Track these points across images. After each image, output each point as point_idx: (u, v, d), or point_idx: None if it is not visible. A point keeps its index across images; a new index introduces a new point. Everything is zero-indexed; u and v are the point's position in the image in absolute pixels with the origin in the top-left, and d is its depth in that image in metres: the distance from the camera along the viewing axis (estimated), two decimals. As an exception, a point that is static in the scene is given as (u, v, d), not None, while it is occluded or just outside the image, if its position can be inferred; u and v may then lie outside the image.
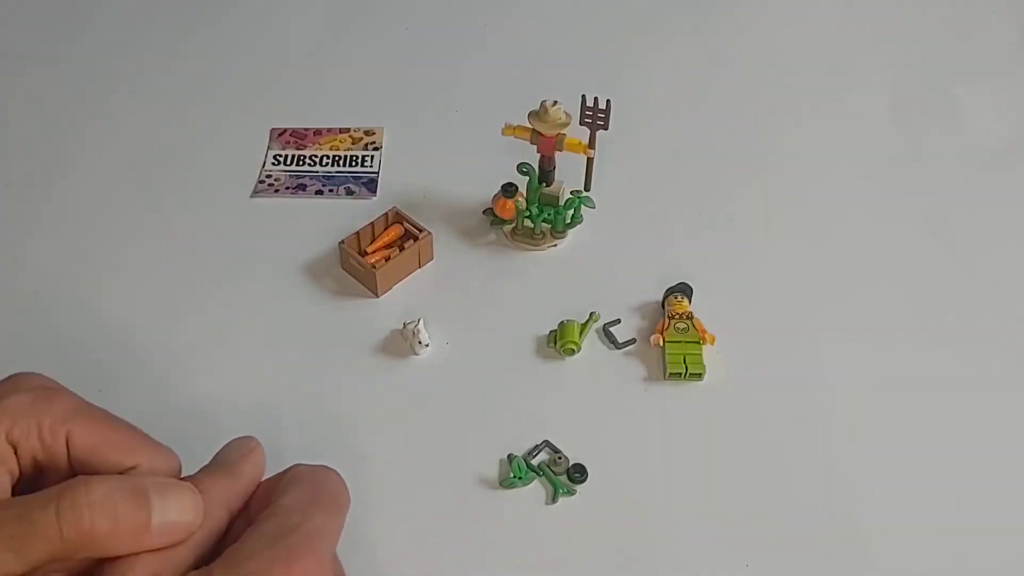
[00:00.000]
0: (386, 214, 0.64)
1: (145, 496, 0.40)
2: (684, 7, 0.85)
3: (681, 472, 0.54)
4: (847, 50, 0.82)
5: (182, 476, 0.44)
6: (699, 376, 0.57)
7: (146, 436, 0.45)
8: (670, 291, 0.61)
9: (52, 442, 0.43)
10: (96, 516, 0.38)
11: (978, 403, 0.57)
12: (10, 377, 0.43)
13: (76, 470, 0.44)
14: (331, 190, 0.69)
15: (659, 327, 0.59)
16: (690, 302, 0.61)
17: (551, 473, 0.53)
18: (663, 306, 0.61)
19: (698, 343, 0.58)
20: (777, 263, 0.65)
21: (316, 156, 0.71)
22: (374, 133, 0.73)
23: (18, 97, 0.76)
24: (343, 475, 0.53)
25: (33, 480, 0.44)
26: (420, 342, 0.58)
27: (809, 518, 0.52)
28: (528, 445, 0.55)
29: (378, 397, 0.57)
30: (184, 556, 0.40)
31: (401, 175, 0.70)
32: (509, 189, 0.64)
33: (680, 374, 0.57)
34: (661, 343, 0.59)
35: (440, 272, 0.64)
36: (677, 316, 0.60)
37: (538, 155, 0.64)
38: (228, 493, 0.42)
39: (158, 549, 0.40)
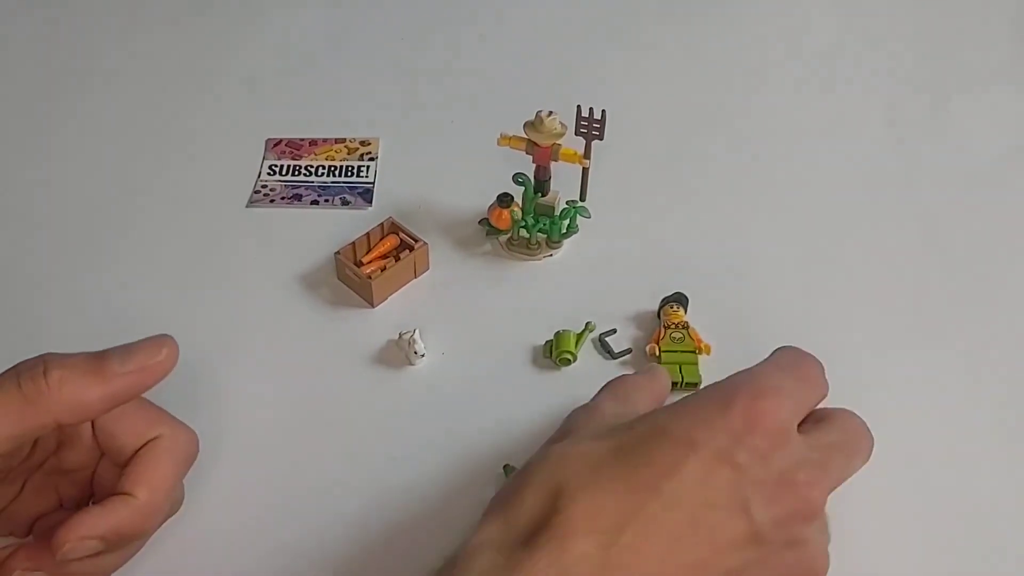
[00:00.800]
0: (382, 224, 0.64)
1: (103, 353, 0.43)
2: (678, 17, 0.86)
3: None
4: (842, 59, 0.82)
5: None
6: (695, 386, 0.57)
7: (167, 412, 0.48)
8: (665, 301, 0.61)
9: None
10: (52, 367, 0.42)
11: (976, 410, 0.58)
12: (40, 355, 0.46)
13: (99, 438, 0.47)
14: (327, 200, 0.69)
15: (655, 336, 0.59)
16: (686, 312, 0.61)
17: (547, 483, 0.53)
18: (659, 316, 0.61)
19: (694, 352, 0.58)
20: (773, 272, 0.65)
21: (312, 166, 0.71)
22: (370, 143, 0.73)
23: (12, 105, 0.76)
24: (336, 486, 0.53)
25: (57, 450, 0.47)
26: (416, 352, 0.58)
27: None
28: (524, 455, 0.54)
29: (374, 407, 0.57)
30: None
31: (397, 185, 0.70)
32: (505, 199, 0.64)
33: (676, 384, 0.57)
34: (657, 352, 0.59)
35: (436, 282, 0.64)
36: (673, 326, 0.60)
37: (534, 165, 0.64)
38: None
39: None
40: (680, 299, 0.61)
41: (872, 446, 0.46)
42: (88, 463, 0.48)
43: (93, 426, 0.47)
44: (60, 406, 0.42)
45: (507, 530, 0.38)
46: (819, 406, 0.46)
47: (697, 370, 0.58)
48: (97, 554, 0.44)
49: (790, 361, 0.45)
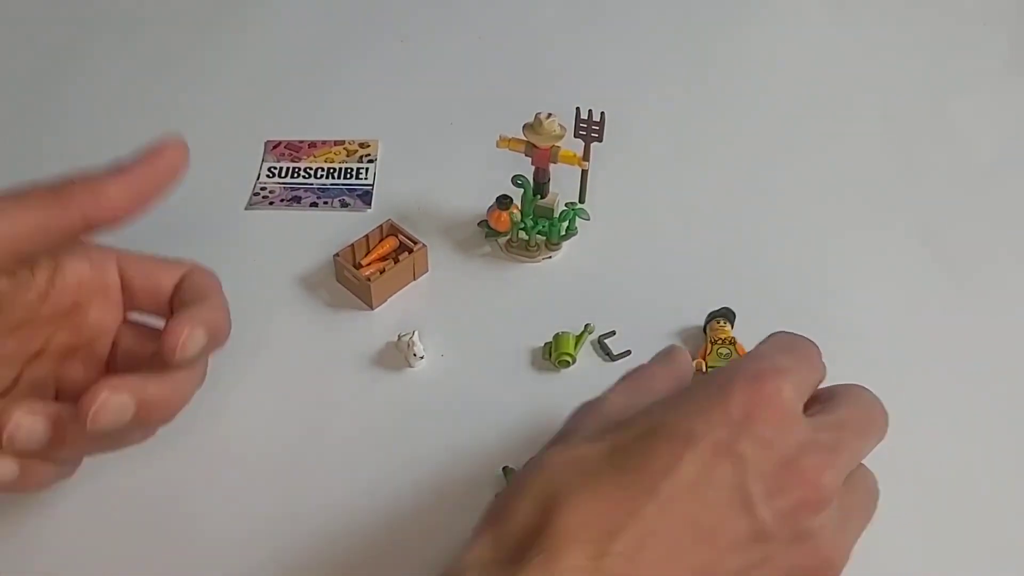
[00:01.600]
0: (381, 226, 0.64)
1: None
2: (678, 19, 0.86)
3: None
4: (841, 64, 0.82)
5: None
6: None
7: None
8: (712, 316, 0.60)
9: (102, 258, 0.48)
10: (75, 175, 0.45)
11: (977, 411, 0.58)
12: None
13: (135, 282, 0.49)
14: (326, 202, 0.69)
15: (701, 352, 0.59)
16: (733, 327, 0.60)
17: (546, 485, 0.53)
18: (705, 331, 0.60)
19: None
20: (771, 274, 0.65)
21: (311, 168, 0.71)
22: (369, 145, 0.73)
23: (10, 103, 0.76)
24: (334, 489, 0.53)
25: (75, 312, 0.48)
26: (415, 354, 0.58)
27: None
28: (524, 457, 0.54)
29: (373, 410, 0.57)
30: None
31: (396, 187, 0.70)
32: (504, 201, 0.64)
33: None
34: (704, 368, 0.58)
35: (435, 284, 0.64)
36: (720, 341, 0.58)
37: (533, 167, 0.64)
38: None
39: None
40: (727, 314, 0.60)
41: (887, 420, 0.43)
42: (110, 325, 0.48)
43: (122, 279, 0.49)
44: (85, 195, 0.44)
45: (496, 547, 0.36)
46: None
47: None
48: (189, 370, 0.45)
49: (785, 342, 0.43)
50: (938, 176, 0.72)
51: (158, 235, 0.67)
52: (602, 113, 0.62)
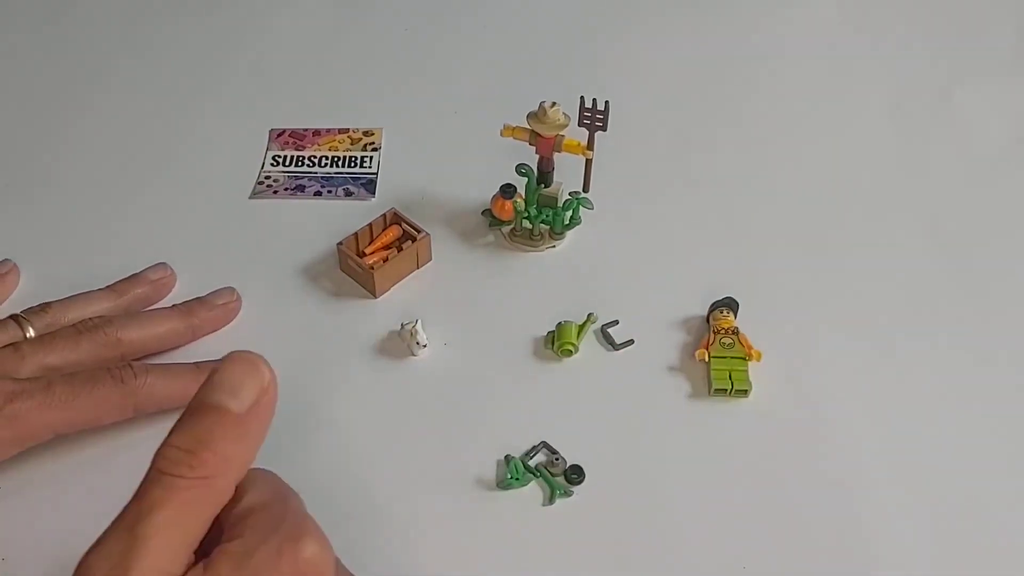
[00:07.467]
0: (384, 215, 0.64)
1: None
2: (682, 6, 0.85)
3: (678, 474, 0.54)
4: (846, 52, 0.82)
5: None
6: (745, 393, 0.56)
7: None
8: (715, 305, 0.60)
9: None
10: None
11: (983, 403, 0.57)
12: None
13: None
14: (330, 191, 0.69)
15: (704, 342, 0.58)
16: (736, 316, 0.59)
17: (548, 474, 0.53)
18: (707, 321, 0.60)
19: (744, 359, 0.57)
20: (775, 263, 0.65)
21: (315, 157, 0.71)
22: (373, 134, 0.73)
23: (12, 96, 0.77)
24: (341, 476, 0.53)
25: None
26: (418, 343, 0.58)
27: (811, 527, 0.52)
28: (525, 446, 0.55)
29: (376, 398, 0.57)
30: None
31: (400, 176, 0.70)
32: (508, 190, 0.64)
33: (727, 390, 0.56)
34: (707, 359, 0.58)
35: (438, 273, 0.64)
36: (723, 331, 0.58)
37: (537, 156, 0.64)
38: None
39: None
40: (730, 303, 0.60)
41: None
42: None
43: None
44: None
45: None
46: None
47: (747, 376, 0.57)
48: None
49: (267, 484, 0.42)
50: (944, 165, 0.72)
51: (164, 226, 0.67)
52: (606, 102, 0.62)
